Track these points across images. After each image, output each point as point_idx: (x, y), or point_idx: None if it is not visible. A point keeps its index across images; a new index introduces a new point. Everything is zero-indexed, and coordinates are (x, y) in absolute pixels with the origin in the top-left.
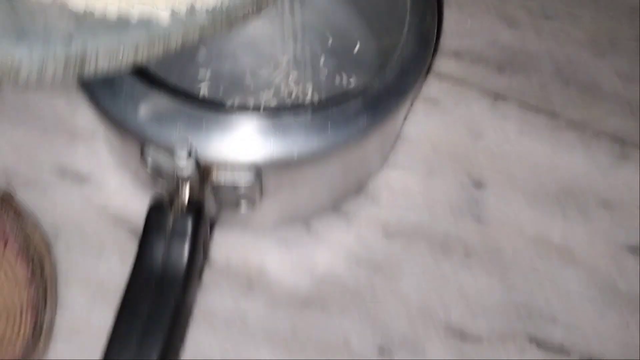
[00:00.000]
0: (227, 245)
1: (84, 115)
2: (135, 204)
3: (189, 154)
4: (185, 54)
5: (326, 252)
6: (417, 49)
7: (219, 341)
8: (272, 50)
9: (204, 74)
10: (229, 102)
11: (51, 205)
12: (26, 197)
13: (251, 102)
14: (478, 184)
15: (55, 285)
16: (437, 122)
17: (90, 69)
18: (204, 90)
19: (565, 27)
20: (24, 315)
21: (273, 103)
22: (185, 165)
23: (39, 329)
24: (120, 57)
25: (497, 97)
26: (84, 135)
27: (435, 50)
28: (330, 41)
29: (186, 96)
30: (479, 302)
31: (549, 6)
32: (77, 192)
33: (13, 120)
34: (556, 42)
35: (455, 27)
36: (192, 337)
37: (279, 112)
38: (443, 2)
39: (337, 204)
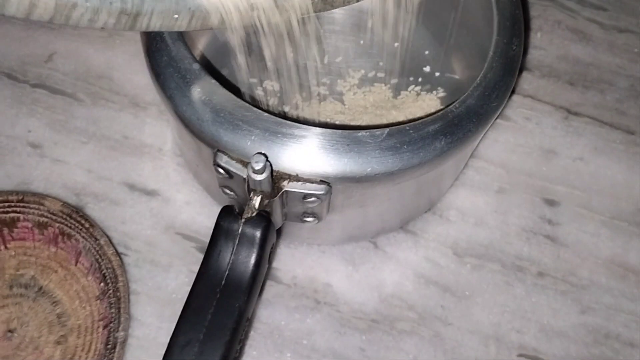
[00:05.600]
0: (293, 261)
1: (151, 132)
2: (202, 220)
3: (264, 168)
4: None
5: (394, 271)
6: (502, 74)
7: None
8: (342, 63)
9: (272, 82)
10: (297, 112)
11: (120, 221)
12: (96, 212)
13: (319, 112)
14: (551, 203)
15: (128, 301)
16: (507, 138)
17: (142, 26)
18: (272, 99)
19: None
20: (95, 331)
21: (341, 116)
22: (259, 179)
23: (112, 344)
24: (174, 21)
25: (569, 112)
26: (151, 151)
27: (520, 73)
28: (405, 58)
29: (262, 108)
30: (553, 324)
31: (622, 19)
32: (146, 207)
33: (82, 135)
34: (630, 56)
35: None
36: (259, 354)
37: (356, 129)
38: (530, 26)
39: (405, 223)
